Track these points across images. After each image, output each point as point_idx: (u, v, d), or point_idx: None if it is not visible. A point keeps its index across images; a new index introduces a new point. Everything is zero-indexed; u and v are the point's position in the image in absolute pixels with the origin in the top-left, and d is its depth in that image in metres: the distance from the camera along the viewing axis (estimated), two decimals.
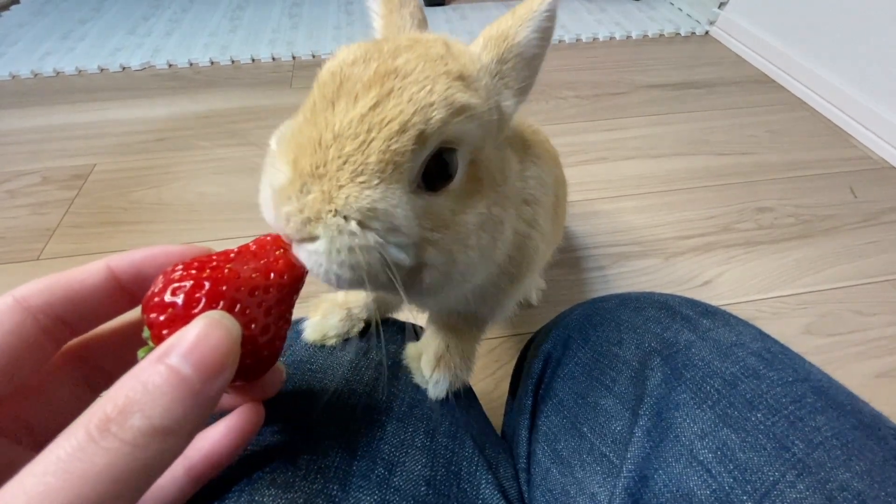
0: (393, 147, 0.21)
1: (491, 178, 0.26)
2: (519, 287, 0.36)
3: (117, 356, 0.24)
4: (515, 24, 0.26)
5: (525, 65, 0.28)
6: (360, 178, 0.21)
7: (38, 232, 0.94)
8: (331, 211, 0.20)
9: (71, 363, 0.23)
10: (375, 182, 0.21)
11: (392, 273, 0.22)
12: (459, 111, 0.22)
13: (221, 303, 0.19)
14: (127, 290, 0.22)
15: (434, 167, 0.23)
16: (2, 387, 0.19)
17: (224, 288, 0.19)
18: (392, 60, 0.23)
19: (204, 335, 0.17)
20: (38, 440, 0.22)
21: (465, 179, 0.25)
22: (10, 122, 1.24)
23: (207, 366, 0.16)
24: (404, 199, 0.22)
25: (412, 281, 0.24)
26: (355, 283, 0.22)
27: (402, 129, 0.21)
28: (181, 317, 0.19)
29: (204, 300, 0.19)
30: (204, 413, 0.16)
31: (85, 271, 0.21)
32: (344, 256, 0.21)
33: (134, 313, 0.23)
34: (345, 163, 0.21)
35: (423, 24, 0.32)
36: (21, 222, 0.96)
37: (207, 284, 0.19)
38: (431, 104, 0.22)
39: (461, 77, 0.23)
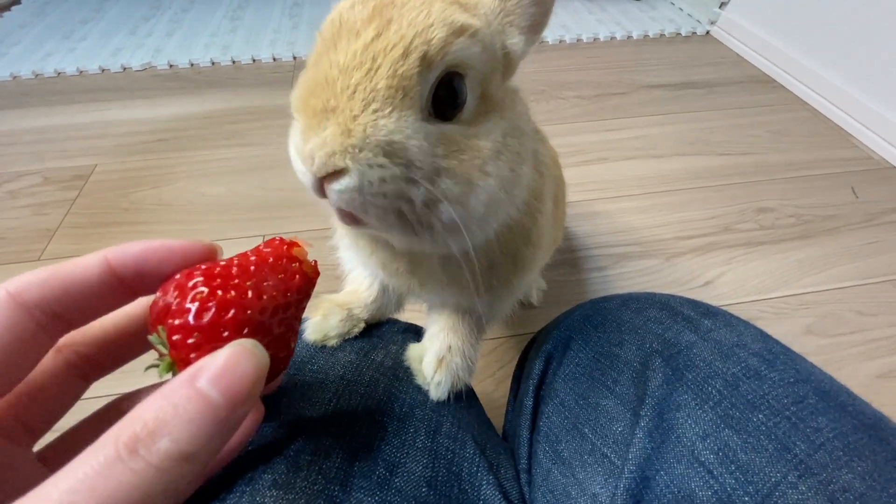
0: (399, 71, 0.21)
1: (503, 110, 0.26)
2: (520, 280, 0.36)
3: (111, 350, 0.24)
4: None
5: (532, 1, 0.27)
6: (373, 106, 0.21)
7: (39, 232, 0.94)
8: (353, 145, 0.21)
9: (64, 356, 0.23)
10: (388, 109, 0.21)
11: (416, 209, 0.22)
12: (459, 31, 0.22)
13: (247, 329, 0.19)
14: (125, 284, 0.21)
15: (444, 94, 0.23)
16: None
17: (249, 312, 0.19)
18: None
19: (235, 363, 0.17)
20: (32, 434, 0.22)
21: (477, 110, 0.25)
22: (11, 123, 1.24)
23: (235, 393, 0.16)
24: (417, 126, 0.22)
25: (430, 222, 0.24)
26: (383, 216, 0.22)
27: (406, 53, 0.21)
28: (209, 340, 0.18)
29: (231, 326, 0.19)
30: (225, 440, 0.17)
31: (81, 265, 0.20)
32: (376, 187, 0.21)
33: (130, 307, 0.23)
34: (354, 92, 0.21)
35: None
36: (22, 223, 0.97)
37: (233, 311, 0.19)
38: (431, 25, 0.22)
39: (457, 2, 0.24)
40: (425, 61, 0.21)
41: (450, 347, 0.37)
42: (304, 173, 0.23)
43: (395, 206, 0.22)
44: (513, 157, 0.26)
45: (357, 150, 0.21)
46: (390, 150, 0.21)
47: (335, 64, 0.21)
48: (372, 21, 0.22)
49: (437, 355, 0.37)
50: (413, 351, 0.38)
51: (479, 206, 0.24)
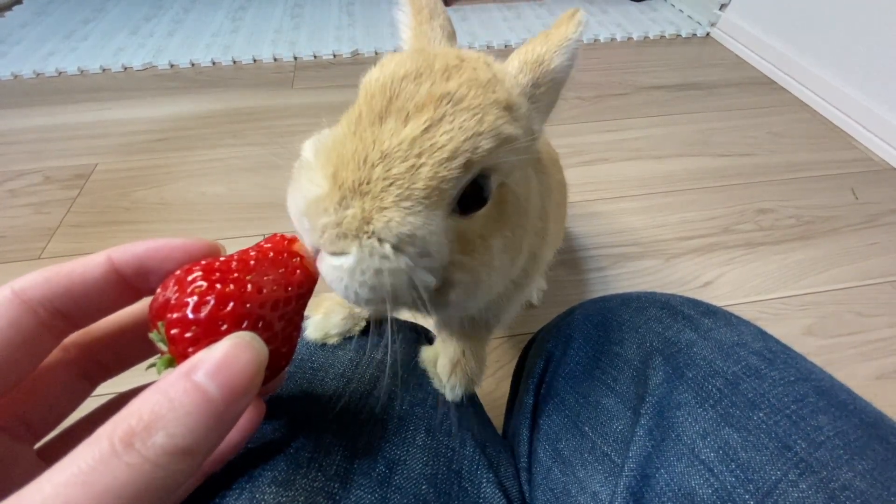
0: (441, 174, 0.21)
1: (516, 201, 0.26)
2: (523, 293, 0.37)
3: (115, 350, 0.24)
4: (551, 50, 0.27)
5: (556, 89, 0.28)
6: (405, 203, 0.20)
7: (39, 231, 0.94)
8: (367, 232, 0.20)
9: (68, 356, 0.23)
10: (420, 209, 0.21)
11: (418, 294, 0.22)
12: (505, 142, 0.23)
13: (246, 322, 0.19)
14: (128, 283, 0.21)
15: (470, 191, 0.23)
16: (2, 383, 0.19)
17: (248, 306, 0.19)
18: (444, 83, 0.22)
19: (233, 356, 0.17)
20: (35, 433, 0.22)
21: (492, 203, 0.25)
22: (12, 122, 1.24)
23: (233, 387, 0.16)
24: (442, 224, 0.22)
25: (437, 299, 0.24)
26: (373, 303, 0.22)
27: (452, 157, 0.21)
28: (207, 334, 0.18)
29: (229, 319, 0.19)
30: (223, 435, 0.16)
31: (85, 264, 0.20)
32: (367, 277, 0.21)
33: (135, 309, 0.23)
34: (391, 185, 0.20)
35: (452, 36, 0.31)
36: (23, 221, 0.97)
37: (232, 304, 0.19)
38: (481, 133, 0.22)
39: (508, 107, 0.24)
40: (467, 166, 0.21)
41: (463, 352, 0.38)
42: (302, 227, 0.22)
43: (382, 299, 0.21)
44: (516, 248, 0.27)
45: (366, 237, 0.20)
46: (408, 242, 0.21)
47: (379, 145, 0.21)
48: (425, 110, 0.21)
49: (451, 360, 0.37)
50: (427, 354, 0.38)
51: (480, 293, 0.26)
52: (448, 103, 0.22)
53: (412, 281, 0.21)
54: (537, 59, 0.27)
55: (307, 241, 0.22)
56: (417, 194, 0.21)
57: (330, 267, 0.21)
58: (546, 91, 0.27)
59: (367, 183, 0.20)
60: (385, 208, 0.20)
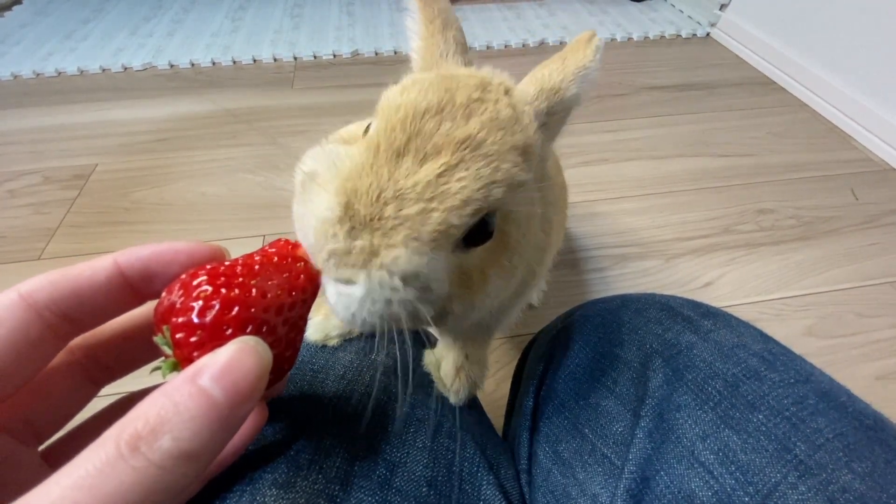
0: (450, 221, 0.21)
1: (518, 230, 0.26)
2: (524, 299, 0.37)
3: (120, 352, 0.24)
4: (567, 79, 0.27)
5: (568, 114, 0.28)
6: (413, 244, 0.21)
7: (39, 231, 0.94)
8: (375, 265, 0.20)
9: (73, 359, 0.23)
10: (426, 249, 0.21)
11: (418, 318, 0.22)
12: (517, 187, 0.23)
13: (250, 327, 0.19)
14: (133, 287, 0.21)
15: (475, 228, 0.23)
16: (7, 385, 0.19)
17: (253, 310, 0.19)
18: (465, 123, 0.22)
19: (237, 361, 0.17)
20: (39, 436, 0.22)
21: (494, 233, 0.25)
22: (11, 122, 1.24)
23: (238, 392, 0.16)
24: (445, 263, 0.22)
25: (433, 321, 0.24)
26: (376, 328, 0.22)
27: (464, 205, 0.21)
28: (212, 338, 0.18)
29: (234, 323, 0.19)
30: (227, 439, 0.16)
31: (91, 267, 0.20)
32: (378, 307, 0.21)
33: (140, 311, 0.23)
34: (401, 224, 0.21)
35: (464, 48, 0.31)
36: (22, 222, 0.97)
37: (237, 308, 0.19)
38: (495, 182, 0.22)
39: (525, 151, 0.24)
40: (476, 213, 0.22)
41: (466, 356, 0.38)
42: (306, 241, 0.22)
43: (385, 325, 0.22)
44: (512, 271, 0.27)
45: (375, 269, 0.20)
46: (413, 278, 0.21)
47: (393, 185, 0.21)
48: (443, 153, 0.21)
49: (454, 364, 0.37)
50: (429, 358, 0.39)
51: (473, 315, 0.27)
52: (466, 149, 0.22)
53: (416, 310, 0.22)
54: (553, 88, 0.27)
55: (312, 260, 0.22)
56: (426, 238, 0.21)
57: (337, 295, 0.21)
58: (560, 119, 0.28)
59: (379, 219, 0.20)
60: (393, 245, 0.20)
